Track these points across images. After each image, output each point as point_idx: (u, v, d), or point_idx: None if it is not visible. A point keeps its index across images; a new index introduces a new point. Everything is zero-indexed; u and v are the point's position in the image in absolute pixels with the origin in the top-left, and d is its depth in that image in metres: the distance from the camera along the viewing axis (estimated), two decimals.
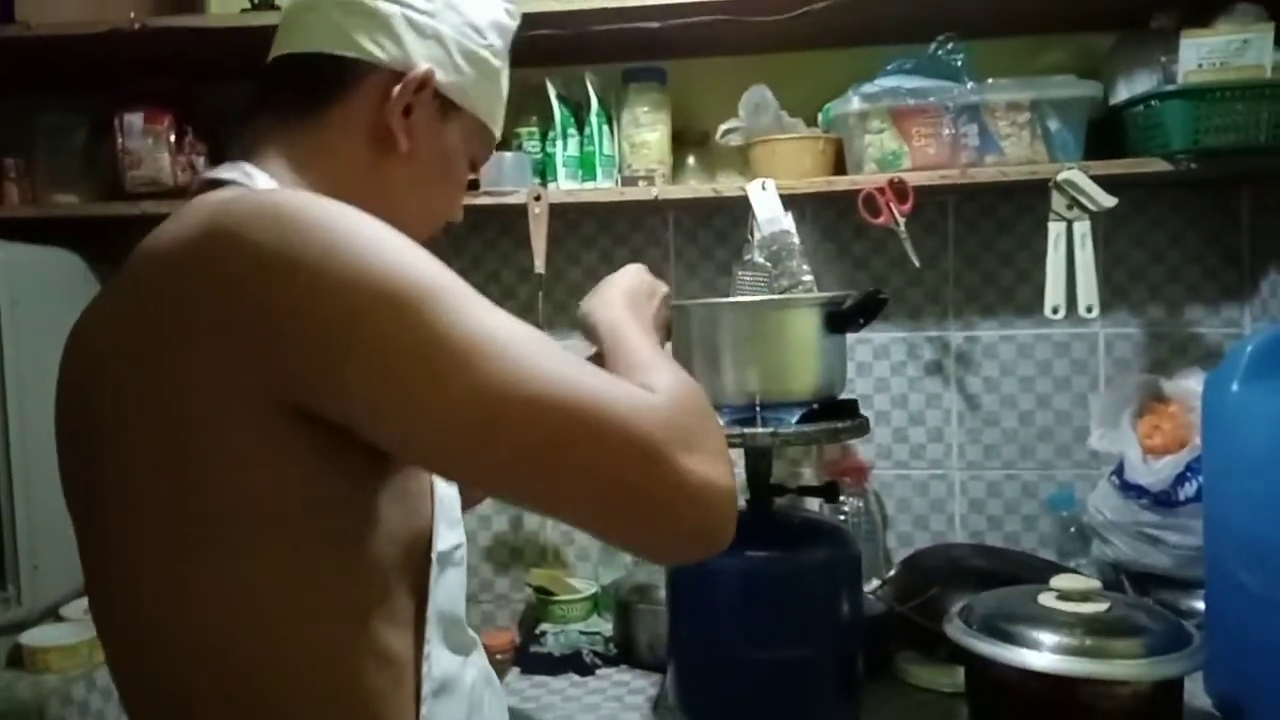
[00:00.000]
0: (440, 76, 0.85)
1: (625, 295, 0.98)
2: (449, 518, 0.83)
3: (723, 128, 1.68)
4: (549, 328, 1.82)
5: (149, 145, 1.67)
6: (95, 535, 0.74)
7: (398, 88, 0.83)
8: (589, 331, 0.95)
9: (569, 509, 0.67)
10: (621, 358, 0.84)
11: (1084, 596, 1.22)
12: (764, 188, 1.54)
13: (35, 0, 1.59)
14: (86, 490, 0.74)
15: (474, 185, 1.65)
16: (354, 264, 0.64)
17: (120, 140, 1.67)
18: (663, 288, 1.07)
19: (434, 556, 0.78)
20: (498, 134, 0.94)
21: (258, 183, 0.79)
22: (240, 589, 0.68)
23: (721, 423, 0.76)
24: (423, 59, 0.84)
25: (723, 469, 0.69)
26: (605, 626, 1.66)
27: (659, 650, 1.49)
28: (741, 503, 1.27)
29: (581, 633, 1.64)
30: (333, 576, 0.71)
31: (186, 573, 0.68)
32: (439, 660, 0.78)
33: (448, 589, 0.81)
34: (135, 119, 1.66)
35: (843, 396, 1.26)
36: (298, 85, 0.84)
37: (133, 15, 1.55)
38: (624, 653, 1.57)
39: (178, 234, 0.69)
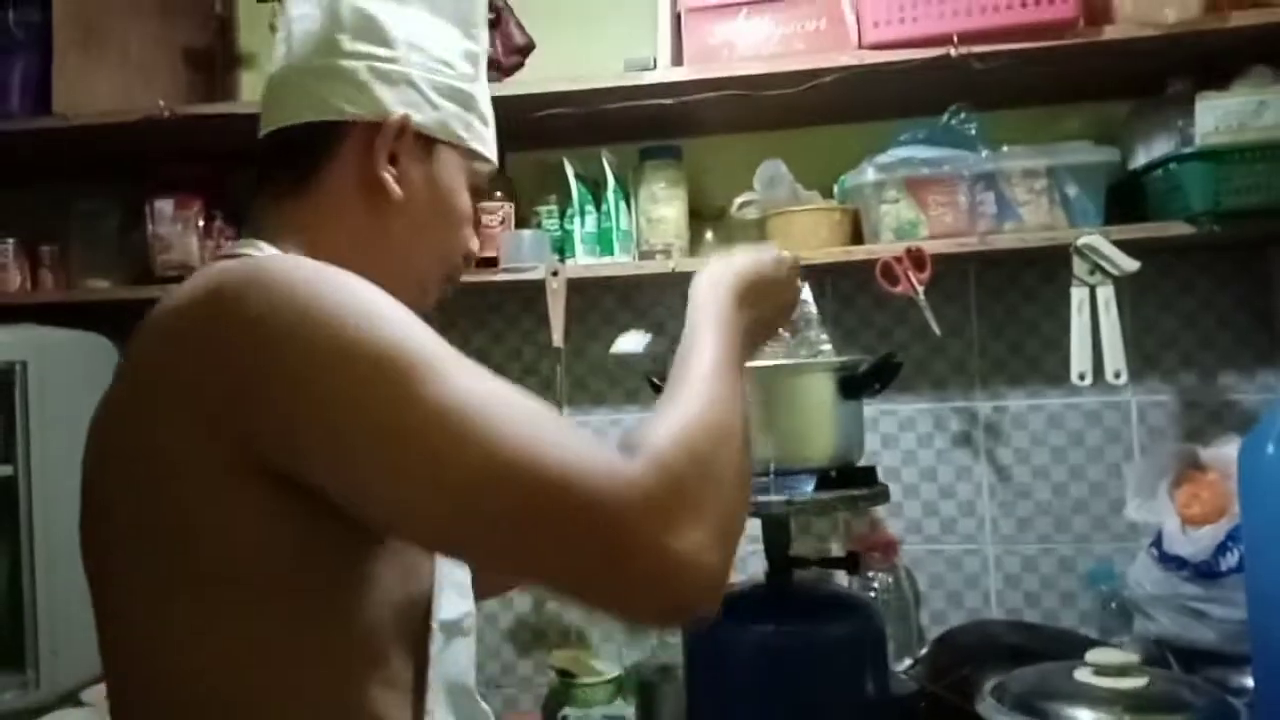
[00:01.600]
0: (417, 117, 0.84)
1: (740, 280, 0.88)
2: (458, 585, 0.82)
3: (738, 201, 1.69)
4: (569, 404, 1.81)
5: (179, 231, 1.71)
6: (101, 605, 0.74)
7: (378, 139, 0.83)
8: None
9: (543, 579, 0.66)
10: (675, 369, 0.77)
11: (1122, 671, 1.17)
12: None
13: (70, 92, 1.64)
14: (99, 564, 0.74)
15: (490, 262, 1.67)
16: (333, 331, 0.64)
17: (151, 226, 1.72)
18: (795, 289, 0.97)
19: (435, 624, 0.77)
20: (492, 156, 0.93)
21: (266, 254, 0.79)
22: (226, 652, 0.68)
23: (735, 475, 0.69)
24: (396, 105, 0.84)
25: (709, 537, 0.63)
26: (629, 710, 1.61)
27: None
28: (760, 575, 1.25)
29: (605, 716, 1.60)
30: (322, 641, 0.70)
31: (173, 636, 0.68)
32: None
33: (456, 658, 0.79)
34: (166, 205, 1.71)
35: (861, 464, 1.23)
36: (285, 159, 0.85)
37: (163, 104, 1.60)
38: None
39: (171, 303, 0.70)
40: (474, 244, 0.93)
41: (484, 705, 0.85)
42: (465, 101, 0.89)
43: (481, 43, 0.92)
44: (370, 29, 0.85)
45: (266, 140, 0.87)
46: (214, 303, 0.67)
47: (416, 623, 0.76)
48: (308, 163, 0.84)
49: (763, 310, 0.90)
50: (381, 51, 0.85)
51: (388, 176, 0.83)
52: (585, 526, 0.61)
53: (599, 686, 1.67)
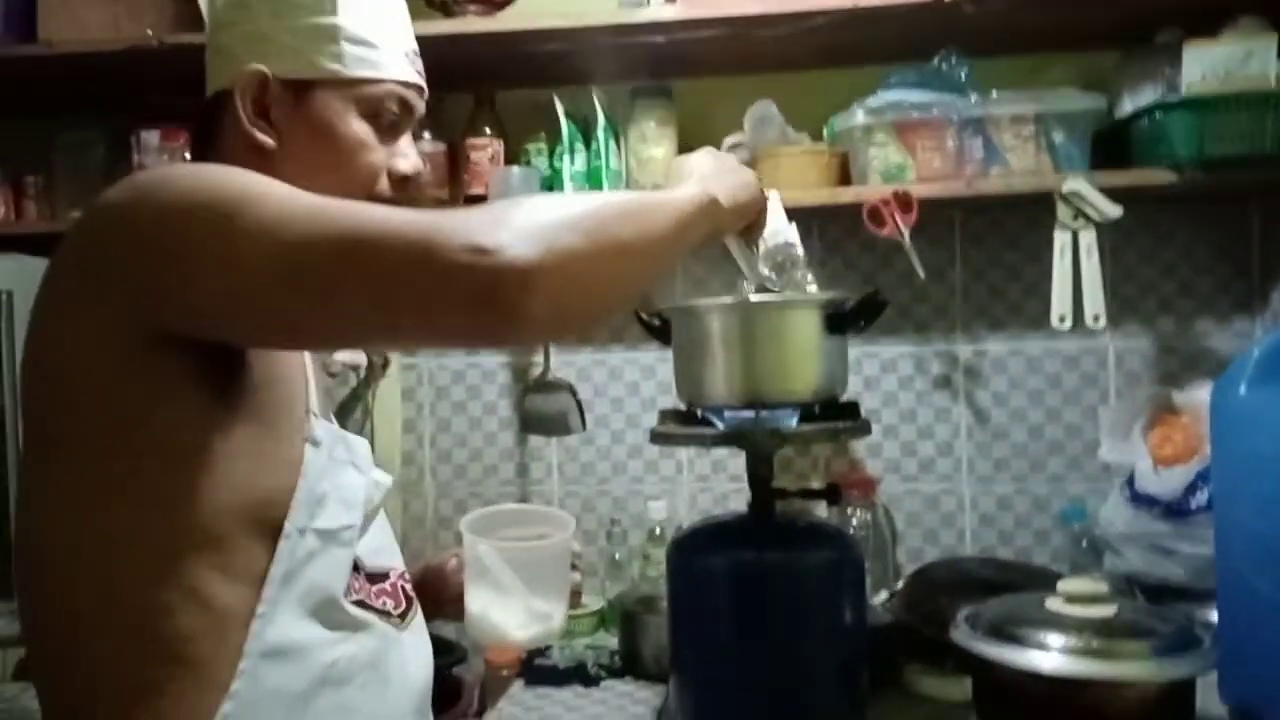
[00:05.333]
0: (274, 67, 0.90)
1: (693, 166, 0.99)
2: (345, 500, 0.86)
3: (728, 142, 1.69)
4: (556, 342, 1.83)
5: (164, 161, 1.70)
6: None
7: (238, 97, 0.90)
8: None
9: (382, 323, 0.72)
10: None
11: (1091, 600, 1.20)
12: (768, 199, 1.55)
13: (56, 20, 1.63)
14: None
15: (479, 199, 1.67)
16: (179, 190, 0.74)
17: (136, 156, 1.71)
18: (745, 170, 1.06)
19: (289, 525, 0.81)
20: (382, 73, 0.94)
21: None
22: (70, 517, 0.76)
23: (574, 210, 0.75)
24: (252, 62, 0.90)
25: (515, 236, 0.67)
26: (611, 641, 1.65)
27: (664, 662, 1.46)
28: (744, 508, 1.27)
29: (588, 647, 1.63)
30: (158, 514, 0.76)
31: (37, 501, 0.78)
32: (283, 625, 0.79)
33: (329, 566, 0.83)
34: (151, 136, 1.70)
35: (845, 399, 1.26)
36: (202, 130, 0.96)
37: (151, 32, 1.58)
38: (629, 664, 1.56)
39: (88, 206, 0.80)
40: (401, 164, 0.96)
41: (360, 614, 0.87)
42: (328, 34, 0.92)
43: None
44: (234, 1, 0.94)
45: None
46: (92, 208, 0.77)
47: (277, 522, 0.80)
48: (207, 136, 0.94)
49: (716, 180, 0.97)
50: (241, 16, 0.93)
51: (255, 131, 0.90)
52: (396, 253, 0.68)
53: (582, 619, 1.71)
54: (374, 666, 0.87)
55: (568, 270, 0.70)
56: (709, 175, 0.97)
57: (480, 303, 0.67)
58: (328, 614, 0.83)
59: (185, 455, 0.76)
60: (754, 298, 1.27)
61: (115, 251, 0.74)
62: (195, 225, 0.72)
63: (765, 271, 1.50)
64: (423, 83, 0.99)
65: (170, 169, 0.80)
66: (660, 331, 1.32)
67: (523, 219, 0.70)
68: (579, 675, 1.53)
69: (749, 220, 1.08)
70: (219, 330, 0.76)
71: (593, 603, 1.74)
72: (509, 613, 1.06)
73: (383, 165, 0.95)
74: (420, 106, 0.99)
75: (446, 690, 1.67)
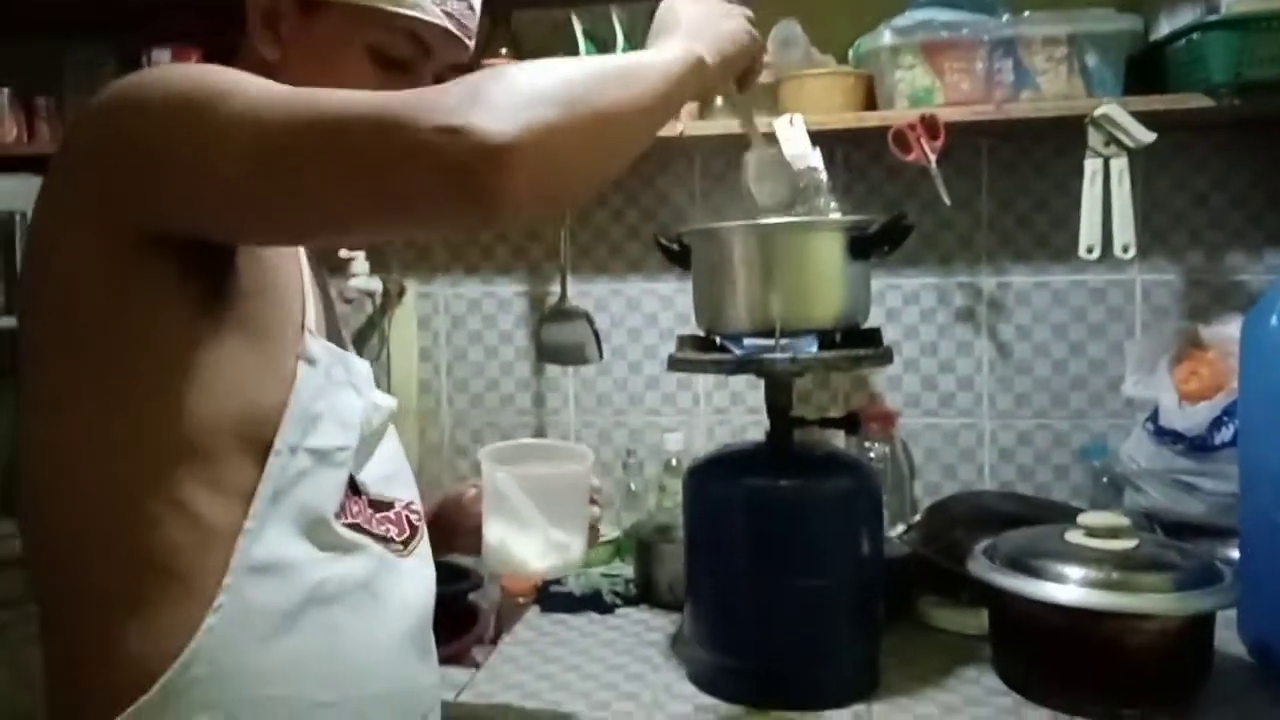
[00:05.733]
0: None
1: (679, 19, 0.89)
2: (343, 420, 0.85)
3: None
4: (574, 271, 1.81)
5: None
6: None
7: (251, 8, 0.88)
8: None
9: (356, 208, 0.69)
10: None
11: (1112, 533, 1.19)
12: (791, 123, 1.51)
13: None
14: None
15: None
16: (154, 90, 0.72)
17: None
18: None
19: (280, 441, 0.80)
20: (397, 6, 0.88)
21: None
22: (62, 414, 0.76)
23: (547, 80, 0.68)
24: None
25: (494, 114, 0.63)
26: (627, 570, 1.65)
27: (679, 591, 1.47)
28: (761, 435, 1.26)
29: (603, 575, 1.64)
30: (139, 420, 0.75)
31: (33, 396, 0.78)
32: (270, 542, 0.79)
33: (319, 486, 0.82)
34: (162, 55, 1.68)
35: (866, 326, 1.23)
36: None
37: None
38: (644, 593, 1.56)
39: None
40: None
41: (354, 536, 0.86)
42: None
43: None
44: None
45: None
46: (84, 109, 0.76)
47: (268, 438, 0.79)
48: (235, 40, 0.91)
49: (703, 34, 0.88)
50: None
51: (260, 42, 0.88)
52: (366, 135, 0.66)
53: (598, 548, 1.71)
54: (366, 589, 0.86)
55: (546, 146, 0.66)
56: (695, 29, 0.88)
57: (452, 185, 0.64)
58: (317, 534, 0.83)
59: (170, 363, 0.76)
60: (775, 219, 1.24)
61: (99, 155, 0.73)
62: (171, 123, 0.70)
63: (758, 124, 1.43)
64: (452, 26, 0.91)
65: (151, 70, 0.78)
66: (680, 256, 1.29)
67: (497, 94, 0.65)
68: (594, 603, 1.54)
69: (740, 73, 0.99)
70: (200, 227, 0.74)
71: (608, 533, 1.74)
72: (528, 542, 1.05)
73: None
74: (445, 51, 0.93)
75: (462, 616, 1.68)
